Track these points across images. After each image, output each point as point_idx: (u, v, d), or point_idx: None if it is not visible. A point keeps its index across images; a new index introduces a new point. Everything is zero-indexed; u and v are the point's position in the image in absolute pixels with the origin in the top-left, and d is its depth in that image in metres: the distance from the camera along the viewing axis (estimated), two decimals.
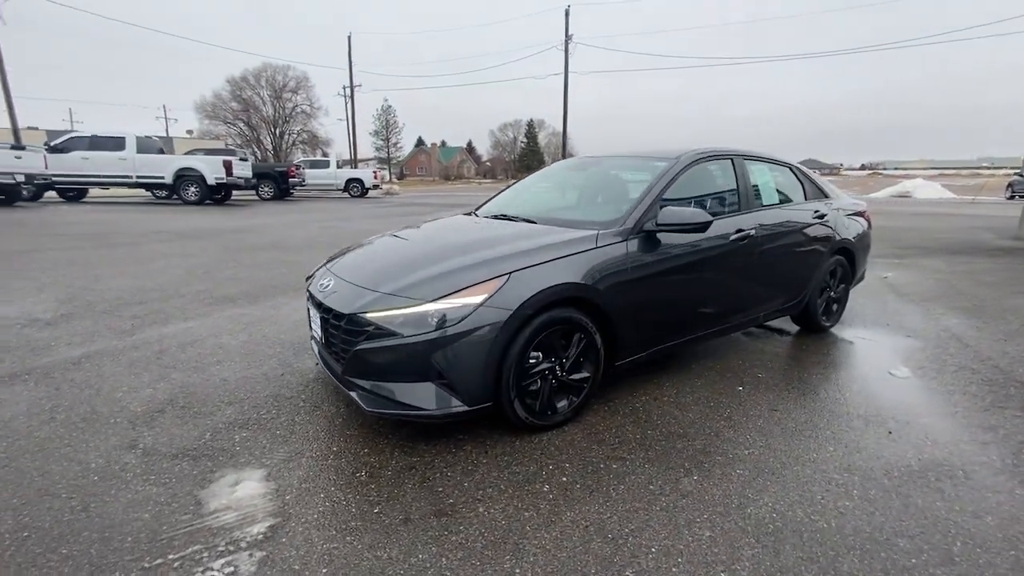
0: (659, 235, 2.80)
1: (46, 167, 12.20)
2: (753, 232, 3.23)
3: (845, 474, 2.15)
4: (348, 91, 35.72)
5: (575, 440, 2.41)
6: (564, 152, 28.52)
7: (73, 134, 14.42)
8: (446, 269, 2.35)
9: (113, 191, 17.47)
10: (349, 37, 33.03)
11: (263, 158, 57.51)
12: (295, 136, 63.91)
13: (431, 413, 2.20)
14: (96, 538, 1.73)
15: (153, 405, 2.70)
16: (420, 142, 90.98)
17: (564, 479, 2.11)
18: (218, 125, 60.58)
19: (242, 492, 1.99)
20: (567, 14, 25.22)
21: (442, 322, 2.15)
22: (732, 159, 3.39)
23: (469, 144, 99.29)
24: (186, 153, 18.07)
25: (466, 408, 2.22)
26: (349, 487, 2.03)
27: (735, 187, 3.33)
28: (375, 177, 23.44)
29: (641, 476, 2.13)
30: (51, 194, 15.53)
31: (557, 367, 2.45)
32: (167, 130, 59.17)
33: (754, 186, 3.46)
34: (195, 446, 2.31)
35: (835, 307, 4.15)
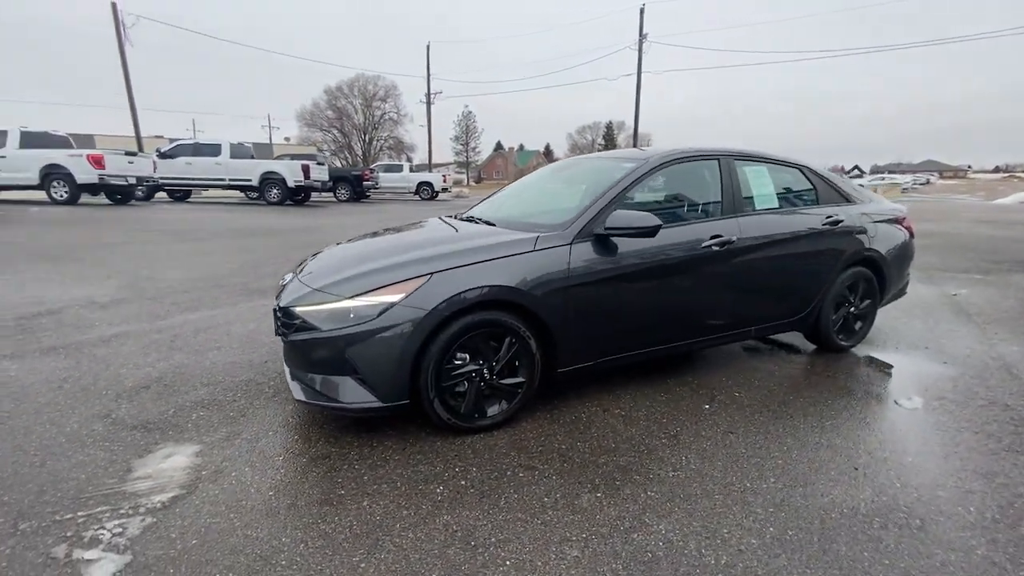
0: (615, 240, 2.68)
1: (154, 171, 14.03)
2: (735, 239, 2.97)
3: (771, 510, 1.92)
4: (426, 99, 37.27)
5: (497, 445, 2.37)
6: None
7: (179, 142, 16.41)
8: (376, 267, 2.42)
9: (213, 192, 19.63)
10: (428, 46, 34.50)
11: (353, 163, 61.64)
12: (382, 142, 67.83)
13: (346, 406, 2.27)
14: (35, 490, 1.99)
15: (143, 381, 3.02)
16: (499, 146, 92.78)
17: (462, 483, 2.08)
18: (315, 132, 65.69)
19: (168, 464, 2.19)
20: (642, 12, 24.52)
21: (357, 318, 2.22)
22: (719, 160, 3.15)
23: (547, 148, 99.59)
24: (275, 158, 19.88)
25: (381, 404, 2.27)
26: (261, 469, 2.16)
27: (718, 190, 3.09)
28: (444, 180, 24.34)
29: (542, 487, 2.05)
30: (162, 195, 17.81)
31: (486, 370, 2.43)
32: (270, 137, 65.06)
33: (745, 189, 3.18)
34: (156, 420, 2.57)
35: (858, 325, 3.70)
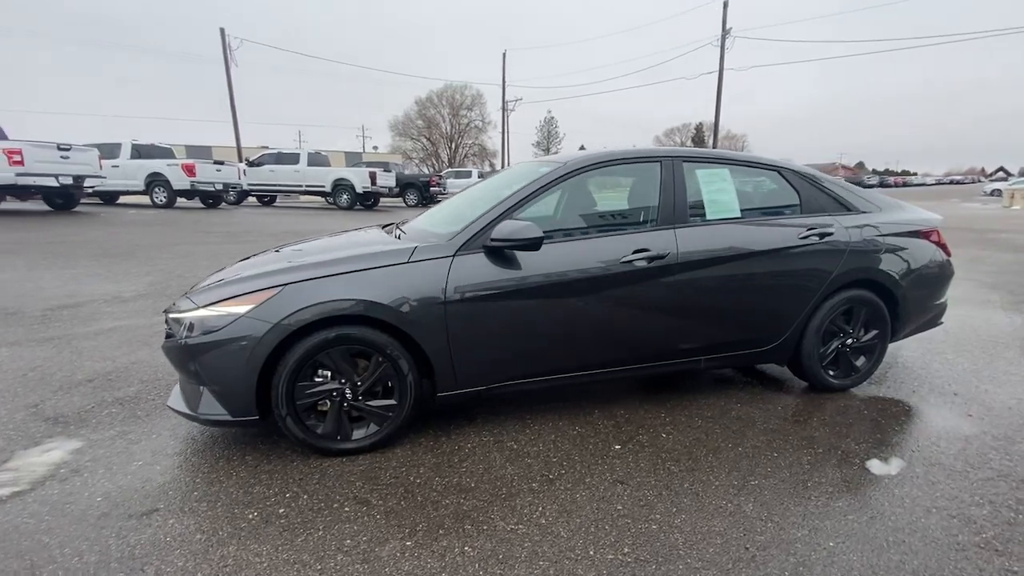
0: (513, 253, 2.40)
1: (239, 178, 15.53)
2: (668, 254, 2.55)
3: None
4: (502, 106, 37.80)
5: (350, 472, 2.20)
6: None
7: (266, 151, 18.04)
8: (244, 276, 2.35)
9: (306, 198, 21.33)
10: (504, 54, 34.99)
11: (439, 170, 64.33)
12: (467, 149, 70.04)
13: (197, 416, 2.22)
14: None
15: (94, 374, 3.23)
16: (582, 149, 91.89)
17: (280, 511, 1.94)
18: (406, 141, 69.45)
19: (41, 458, 2.27)
20: (725, 6, 22.88)
21: (206, 329, 2.17)
22: (661, 162, 2.72)
23: None
24: (351, 166, 21.18)
25: (230, 418, 2.20)
26: (113, 474, 2.17)
27: (656, 197, 2.67)
28: None
29: (356, 527, 1.85)
30: (253, 199, 19.67)
31: (348, 390, 2.27)
32: (363, 146, 69.67)
33: (693, 196, 2.72)
34: (71, 413, 2.71)
35: (859, 360, 3.03)
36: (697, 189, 2.74)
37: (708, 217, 2.74)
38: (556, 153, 67.85)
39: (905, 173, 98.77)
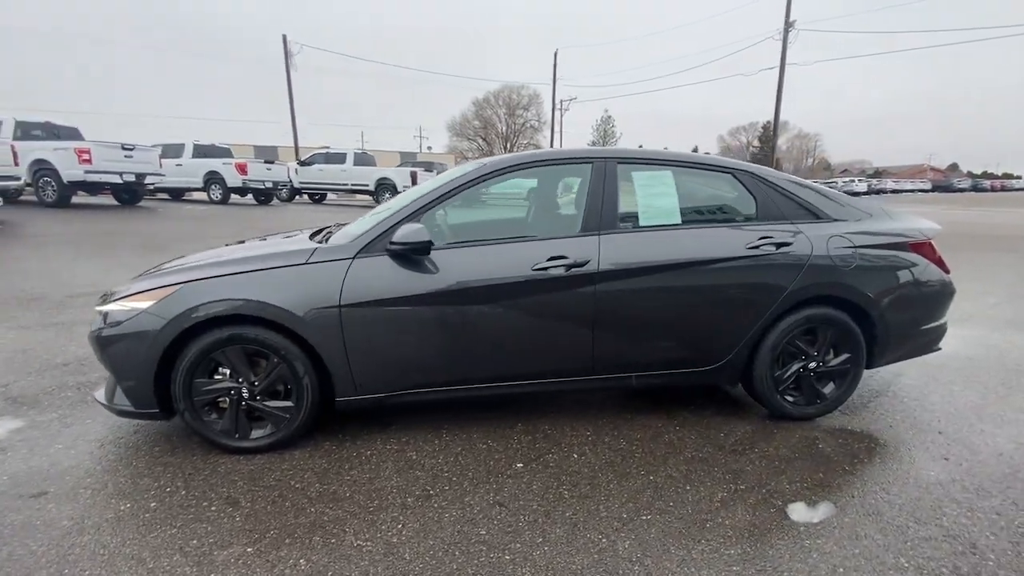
0: (419, 257, 2.32)
1: (288, 176, 16.38)
2: (589, 261, 2.37)
3: None
4: (552, 105, 37.57)
5: (239, 471, 2.21)
6: (773, 160, 24.29)
7: (316, 151, 18.89)
8: (161, 272, 2.42)
9: (361, 198, 22.14)
10: (555, 53, 34.65)
11: None
12: (522, 148, 70.22)
13: (107, 406, 2.31)
14: None
15: (72, 359, 3.47)
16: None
17: (152, 504, 1.97)
18: (462, 141, 70.68)
19: None
20: None
21: (113, 322, 2.25)
22: (592, 163, 2.54)
23: (694, 151, 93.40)
24: (399, 166, 21.76)
25: (133, 409, 2.27)
26: (30, 455, 2.30)
27: (583, 201, 2.49)
28: None
29: (208, 527, 1.84)
30: (304, 197, 20.68)
31: (245, 389, 2.28)
32: (420, 147, 71.46)
33: (626, 200, 2.51)
34: (29, 394, 2.91)
35: (827, 387, 2.70)
36: (635, 194, 2.54)
37: (642, 223, 2.53)
38: None
39: (1007, 176, 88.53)
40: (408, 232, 2.21)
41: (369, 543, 1.78)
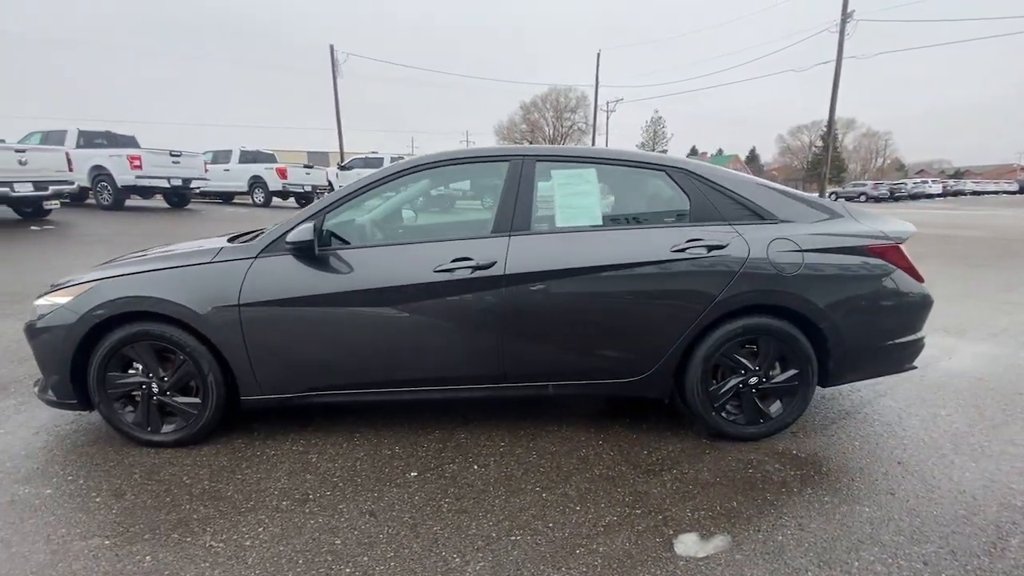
0: (328, 255, 2.30)
1: (327, 180, 17.03)
2: (495, 263, 2.25)
3: None
4: (594, 107, 37.08)
5: (143, 464, 2.26)
6: (828, 160, 22.77)
7: (356, 156, 19.56)
8: (105, 265, 2.52)
9: None
10: (598, 55, 34.16)
11: None
12: None
13: (39, 395, 2.43)
14: None
15: None
16: (693, 151, 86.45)
17: (48, 491, 2.05)
18: (509, 145, 71.07)
19: None
20: None
21: (38, 315, 2.36)
22: (510, 161, 2.42)
23: (752, 152, 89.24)
24: None
25: (56, 399, 2.37)
26: None
27: (497, 201, 2.38)
28: None
29: (83, 516, 1.89)
30: None
31: (155, 385, 2.34)
32: None
33: (542, 200, 2.38)
34: (5, 382, 3.13)
35: (773, 406, 2.44)
36: (555, 193, 2.40)
37: (559, 224, 2.39)
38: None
39: None
40: (297, 233, 2.19)
41: (222, 544, 1.77)
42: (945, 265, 7.54)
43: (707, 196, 2.42)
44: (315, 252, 2.21)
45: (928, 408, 2.82)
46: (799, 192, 2.61)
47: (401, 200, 2.88)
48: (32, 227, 8.79)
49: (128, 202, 12.31)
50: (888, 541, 1.78)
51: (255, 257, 2.31)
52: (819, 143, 69.94)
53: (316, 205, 2.38)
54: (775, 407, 2.45)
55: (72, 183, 9.20)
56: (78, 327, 2.26)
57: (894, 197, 35.24)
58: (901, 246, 2.43)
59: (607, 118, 49.30)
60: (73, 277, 2.47)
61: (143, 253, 2.70)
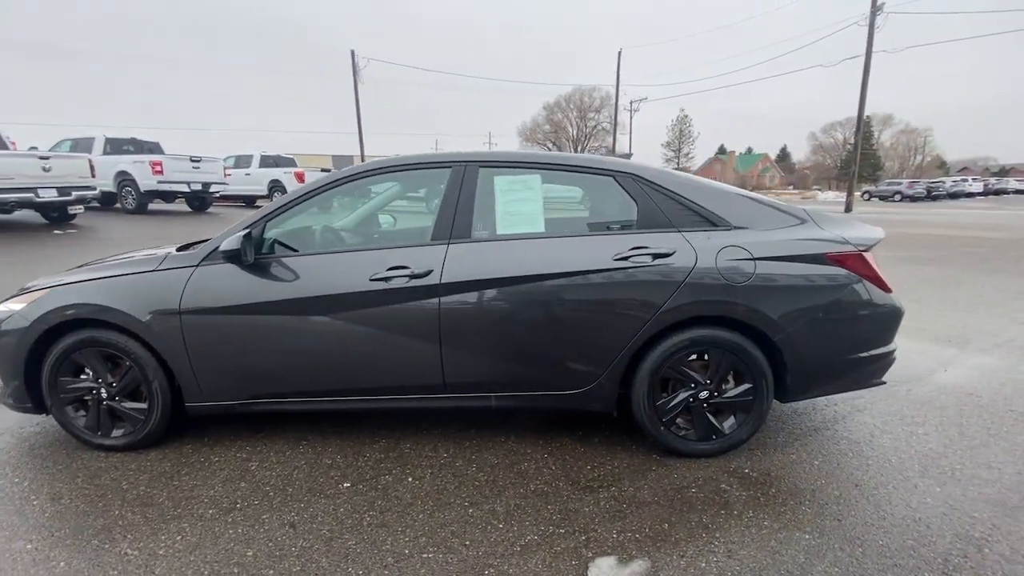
0: (268, 263, 2.31)
1: None
2: (431, 271, 2.21)
3: None
4: (615, 107, 36.67)
5: (88, 468, 2.30)
6: (857, 156, 21.86)
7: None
8: (78, 269, 2.59)
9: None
10: (619, 53, 33.73)
11: None
12: (593, 151, 69.21)
13: (1, 399, 2.51)
14: None
15: None
16: (722, 150, 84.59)
17: None
18: (532, 146, 71.04)
19: None
20: None
21: None
22: (452, 167, 2.38)
23: (783, 150, 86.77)
24: None
25: (13, 403, 2.45)
26: None
27: (437, 207, 2.34)
28: None
29: (15, 520, 1.93)
30: None
31: (104, 390, 2.38)
32: None
33: (482, 207, 2.33)
34: None
35: (727, 422, 2.33)
36: (489, 199, 2.35)
37: (499, 232, 2.33)
38: (687, 154, 62.49)
39: None
40: (228, 241, 2.20)
41: (136, 552, 1.78)
42: (963, 270, 7.14)
43: (656, 202, 2.33)
44: (244, 260, 2.21)
45: (905, 426, 2.64)
46: (761, 197, 2.49)
47: (346, 206, 2.88)
48: (55, 231, 9.20)
49: (151, 206, 12.78)
50: (819, 573, 1.66)
51: (197, 265, 2.33)
52: (853, 140, 67.54)
53: (257, 213, 2.39)
54: (729, 423, 2.34)
55: (94, 188, 9.58)
56: (29, 333, 2.32)
57: (931, 196, 33.67)
58: (865, 253, 2.29)
59: (630, 117, 48.76)
60: (39, 282, 2.55)
61: (102, 260, 2.76)
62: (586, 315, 2.25)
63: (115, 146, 12.43)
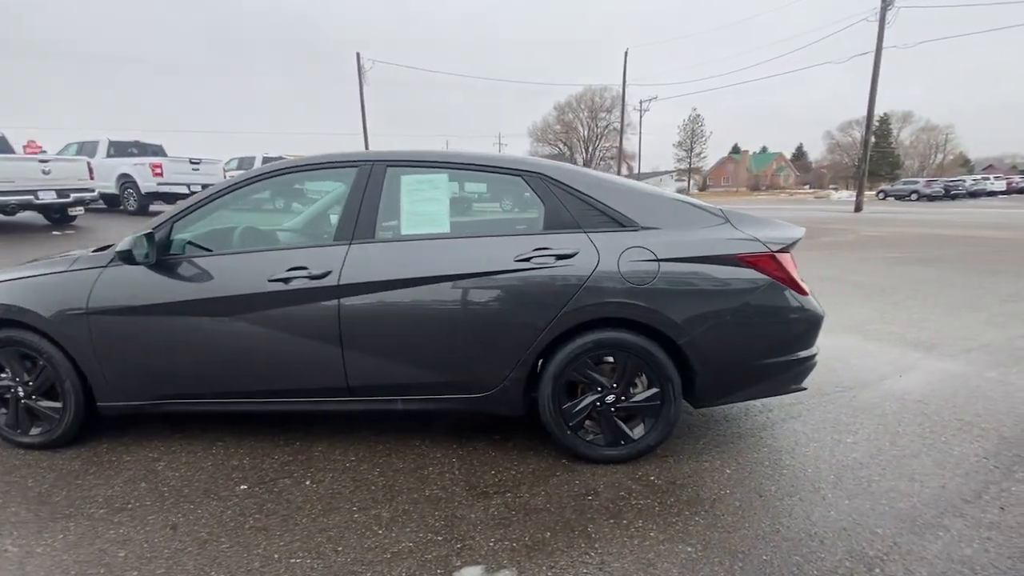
0: (177, 262, 2.32)
1: None
2: (331, 273, 2.19)
3: None
4: (621, 106, 36.37)
5: (5, 466, 2.33)
6: (866, 155, 21.31)
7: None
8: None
9: None
10: (626, 53, 33.42)
11: None
12: (604, 152, 68.76)
13: None
14: None
15: None
16: (735, 149, 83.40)
17: None
18: (543, 146, 70.80)
19: None
20: None
21: None
22: (359, 167, 2.35)
23: (799, 149, 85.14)
24: None
25: None
26: None
27: (342, 208, 2.31)
28: None
29: None
30: None
31: (21, 389, 2.41)
32: (499, 152, 72.25)
33: (387, 207, 2.30)
34: None
35: (636, 428, 2.27)
36: (394, 199, 2.32)
37: (404, 232, 2.30)
38: (699, 154, 61.49)
39: None
40: (123, 243, 2.21)
41: (16, 549, 1.79)
42: (960, 271, 6.89)
43: (563, 202, 2.27)
44: (138, 261, 2.22)
45: (836, 434, 2.54)
46: (678, 197, 2.42)
47: (261, 205, 2.87)
48: (54, 232, 9.44)
49: (153, 207, 13.03)
50: None
51: (106, 266, 2.34)
52: (872, 138, 65.85)
53: (164, 215, 2.39)
54: (639, 428, 2.28)
55: (93, 191, 9.80)
56: None
57: (950, 195, 32.67)
58: (780, 255, 2.20)
59: (640, 117, 48.33)
60: None
61: (34, 260, 2.80)
62: (488, 317, 2.20)
63: (119, 149, 12.70)
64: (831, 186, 63.01)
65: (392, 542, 1.83)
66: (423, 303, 2.21)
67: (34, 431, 2.48)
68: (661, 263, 2.15)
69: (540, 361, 2.27)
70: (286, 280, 2.22)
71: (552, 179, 2.31)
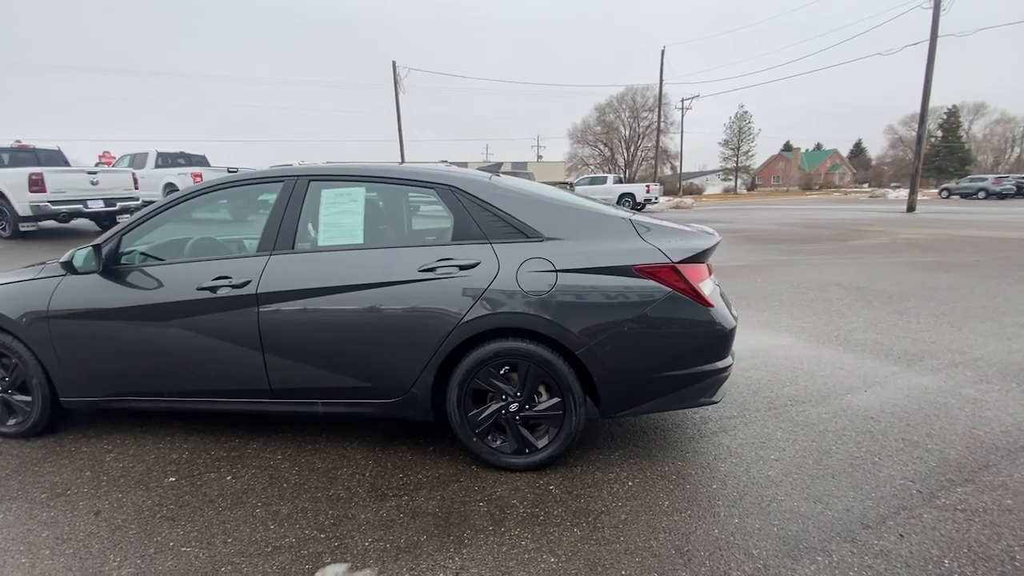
0: (119, 272, 2.54)
1: None
2: (250, 282, 2.34)
3: None
4: (658, 105, 35.56)
5: None
6: (919, 150, 19.79)
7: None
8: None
9: None
10: (663, 51, 32.66)
11: (619, 175, 63.54)
12: (646, 152, 67.41)
13: None
14: None
15: None
16: (787, 147, 79.72)
17: None
18: (583, 148, 70.22)
19: None
20: None
21: None
22: (284, 181, 2.49)
23: (856, 145, 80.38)
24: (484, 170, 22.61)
25: None
26: None
27: (265, 220, 2.46)
28: (647, 191, 22.98)
29: None
30: None
31: None
32: (538, 156, 71.75)
33: (307, 219, 2.43)
34: None
35: (542, 439, 2.30)
36: (314, 211, 2.44)
37: (320, 244, 2.42)
38: (746, 152, 59.37)
39: None
40: (67, 254, 2.44)
41: None
42: (985, 277, 6.35)
43: (471, 214, 2.33)
44: (78, 271, 2.46)
45: (762, 450, 2.46)
46: (588, 206, 2.42)
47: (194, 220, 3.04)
48: None
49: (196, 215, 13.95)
50: None
51: (65, 274, 2.60)
52: (938, 133, 61.25)
53: (114, 229, 2.62)
54: (543, 440, 2.30)
55: (137, 199, 10.63)
56: None
57: (1023, 193, 29.97)
58: (682, 265, 2.17)
59: (682, 115, 47.16)
60: None
61: (28, 267, 3.13)
62: (393, 325, 2.29)
63: (165, 160, 13.71)
64: (892, 184, 59.10)
65: (278, 537, 1.94)
66: (334, 311, 2.33)
67: (10, 422, 2.77)
68: (559, 274, 2.17)
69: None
70: (213, 289, 2.39)
71: (462, 191, 2.37)
